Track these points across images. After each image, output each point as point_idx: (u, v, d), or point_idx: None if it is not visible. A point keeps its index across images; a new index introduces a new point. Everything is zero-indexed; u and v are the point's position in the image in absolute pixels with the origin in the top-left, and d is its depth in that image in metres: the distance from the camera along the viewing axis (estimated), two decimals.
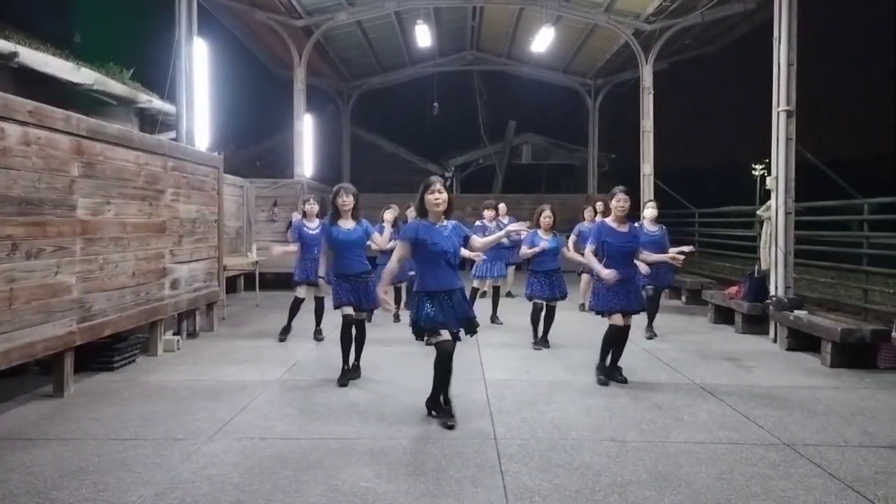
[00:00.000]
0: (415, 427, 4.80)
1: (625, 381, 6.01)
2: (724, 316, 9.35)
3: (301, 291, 8.05)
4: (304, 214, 8.13)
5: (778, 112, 7.92)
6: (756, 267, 9.10)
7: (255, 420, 4.95)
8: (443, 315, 4.69)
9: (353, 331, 6.07)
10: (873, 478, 3.89)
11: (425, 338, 4.81)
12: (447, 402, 4.97)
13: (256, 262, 11.56)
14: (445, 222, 4.82)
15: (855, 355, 6.71)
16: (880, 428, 4.84)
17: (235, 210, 12.37)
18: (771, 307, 7.97)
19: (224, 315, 9.60)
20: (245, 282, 13.14)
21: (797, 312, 7.50)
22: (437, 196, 4.71)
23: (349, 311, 5.98)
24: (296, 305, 8.09)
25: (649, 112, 14.08)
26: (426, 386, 5.85)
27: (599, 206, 11.16)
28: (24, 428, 4.74)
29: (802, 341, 7.41)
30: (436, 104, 22.24)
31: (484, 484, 3.74)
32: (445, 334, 4.72)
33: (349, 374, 6.05)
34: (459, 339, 4.87)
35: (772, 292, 8.18)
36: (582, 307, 10.45)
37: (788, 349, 7.57)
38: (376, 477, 3.87)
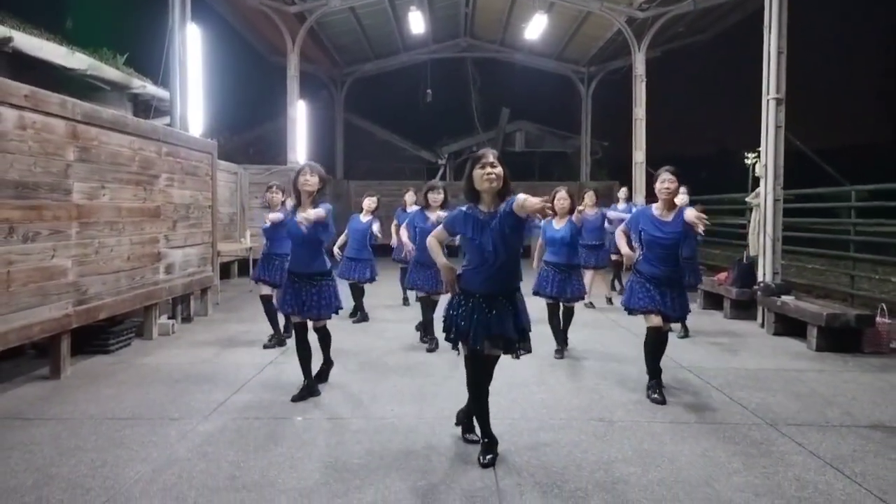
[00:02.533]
0: (406, 407, 4.90)
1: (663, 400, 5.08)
2: (713, 301, 9.46)
3: (265, 289, 6.96)
4: (268, 204, 7.18)
5: (767, 100, 8.00)
6: (745, 253, 9.22)
7: (249, 401, 5.03)
8: (468, 322, 3.79)
9: (312, 336, 5.24)
10: (851, 455, 4.01)
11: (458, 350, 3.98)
12: (487, 435, 3.94)
13: (250, 248, 11.61)
14: (503, 206, 3.70)
15: (840, 340, 6.82)
16: (861, 409, 4.96)
17: (229, 196, 12.41)
18: (759, 293, 8.09)
19: (218, 300, 9.67)
20: (239, 267, 13.20)
21: (784, 298, 7.62)
22: (491, 171, 3.68)
23: (298, 318, 5.15)
24: (268, 307, 6.97)
25: (642, 100, 14.16)
26: (419, 370, 5.98)
27: (623, 192, 11.06)
28: (21, 408, 4.81)
29: (789, 326, 7.53)
30: (429, 91, 22.25)
31: (474, 461, 3.84)
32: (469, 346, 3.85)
33: (312, 388, 5.17)
34: (509, 353, 3.89)
35: (760, 278, 8.29)
36: (591, 305, 9.56)
37: (775, 334, 7.69)
38: (368, 454, 3.96)
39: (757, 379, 5.78)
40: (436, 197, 6.81)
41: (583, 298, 6.76)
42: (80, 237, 5.81)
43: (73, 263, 5.71)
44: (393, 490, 3.47)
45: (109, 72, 9.58)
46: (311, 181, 5.01)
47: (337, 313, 5.24)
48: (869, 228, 9.28)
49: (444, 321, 3.94)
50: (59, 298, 5.54)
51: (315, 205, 5.02)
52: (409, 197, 9.29)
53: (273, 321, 6.98)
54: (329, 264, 5.25)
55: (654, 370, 5.21)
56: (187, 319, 8.29)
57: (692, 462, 3.87)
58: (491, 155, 3.73)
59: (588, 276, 8.88)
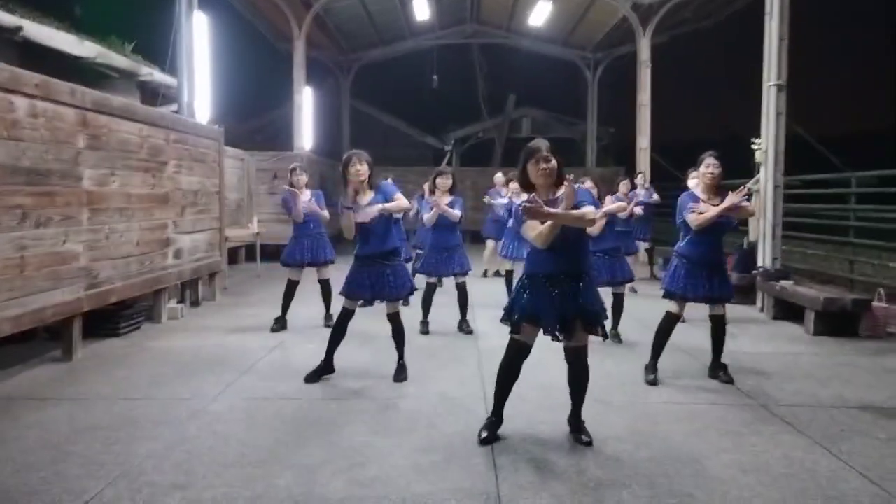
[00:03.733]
0: (410, 388, 5.05)
1: (730, 380, 5.21)
2: None
3: (295, 273, 7.13)
4: (292, 186, 7.07)
5: (768, 86, 8.05)
6: (745, 239, 9.29)
7: (257, 382, 5.18)
8: (535, 306, 3.85)
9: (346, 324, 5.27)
10: (840, 435, 4.13)
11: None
12: (497, 414, 4.11)
13: (257, 234, 11.75)
14: (559, 194, 3.81)
15: (837, 324, 6.92)
16: (854, 390, 5.07)
17: (236, 182, 12.52)
18: (758, 278, 8.19)
19: (226, 285, 9.82)
20: (246, 253, 13.36)
21: (783, 283, 7.72)
22: (545, 167, 3.78)
23: (353, 305, 5.23)
24: (291, 291, 7.12)
25: (646, 86, 14.18)
26: (422, 352, 6.11)
27: (640, 178, 11.22)
28: (36, 389, 4.97)
29: (788, 311, 7.64)
30: (435, 77, 22.25)
31: (471, 438, 3.98)
32: (527, 330, 3.93)
33: (325, 371, 5.28)
34: (559, 340, 3.96)
35: (760, 263, 8.38)
36: (485, 273, 10.92)
37: (774, 318, 7.80)
38: (372, 433, 4.10)
39: (753, 362, 5.89)
40: (444, 181, 6.91)
41: (627, 281, 6.71)
42: (90, 223, 5.95)
43: (84, 248, 5.86)
44: (394, 466, 3.61)
45: (118, 59, 9.70)
46: (362, 171, 5.05)
47: (413, 293, 5.35)
48: (869, 214, 9.34)
49: (509, 304, 4.02)
50: (71, 283, 5.69)
51: (375, 190, 5.16)
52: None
53: (286, 307, 7.12)
54: (399, 242, 5.31)
55: (658, 352, 5.34)
56: (196, 304, 8.45)
57: (683, 441, 4.00)
58: (545, 148, 3.81)
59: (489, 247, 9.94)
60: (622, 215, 7.01)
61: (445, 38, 21.04)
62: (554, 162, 3.80)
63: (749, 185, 8.88)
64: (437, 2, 16.65)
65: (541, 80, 23.99)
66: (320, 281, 7.27)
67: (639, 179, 11.13)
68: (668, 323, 5.29)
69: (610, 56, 19.72)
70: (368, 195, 5.13)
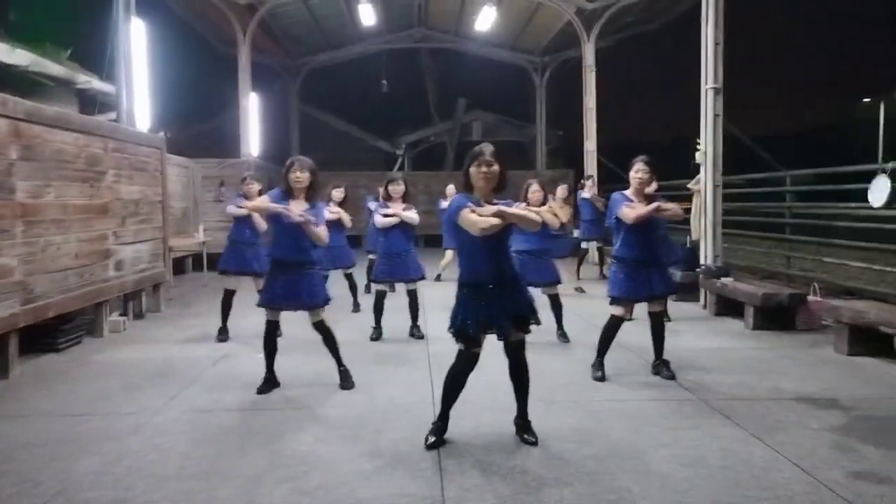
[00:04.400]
0: (358, 395, 5.04)
1: (672, 376, 5.34)
2: None
3: (231, 282, 7.01)
4: (245, 196, 6.93)
5: (706, 90, 8.27)
6: (688, 238, 9.52)
7: (201, 393, 5.10)
8: (487, 316, 3.86)
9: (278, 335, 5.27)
10: (774, 425, 4.27)
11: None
12: (443, 418, 4.09)
13: (203, 243, 11.55)
14: (496, 200, 3.90)
15: (775, 318, 7.16)
16: (789, 383, 5.25)
17: (181, 190, 12.30)
18: (701, 275, 8.41)
19: (171, 296, 9.63)
20: (193, 262, 13.12)
21: (723, 279, 7.95)
22: (487, 170, 3.83)
23: (275, 316, 5.12)
24: (228, 300, 7.01)
25: (592, 90, 14.40)
26: (371, 359, 6.09)
27: (590, 183, 11.32)
28: None
29: (729, 306, 7.87)
30: (384, 81, 22.20)
31: (418, 444, 3.99)
32: (479, 341, 3.96)
33: (273, 383, 5.21)
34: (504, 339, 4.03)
35: (702, 261, 8.60)
36: (438, 277, 10.69)
37: (717, 314, 8.04)
38: (316, 441, 4.08)
39: (695, 358, 6.04)
40: (396, 188, 6.86)
41: (552, 284, 6.77)
42: (25, 236, 5.78)
43: (18, 262, 5.68)
44: (339, 473, 3.60)
45: (53, 67, 9.46)
46: (302, 178, 4.98)
47: (327, 303, 5.19)
48: (805, 211, 9.69)
49: (455, 318, 3.94)
50: (6, 298, 5.50)
51: (311, 203, 5.04)
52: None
53: (225, 317, 7.00)
54: (313, 254, 5.18)
55: (603, 351, 5.47)
56: (139, 316, 8.26)
57: (625, 438, 4.08)
58: (488, 153, 3.83)
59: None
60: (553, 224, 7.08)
61: (394, 42, 20.97)
62: (496, 167, 3.84)
63: (690, 185, 9.12)
64: (384, 7, 16.62)
65: (490, 84, 24.16)
66: (259, 292, 7.07)
67: (588, 183, 11.27)
68: (613, 325, 5.41)
69: (557, 60, 19.94)
70: (303, 205, 4.99)
